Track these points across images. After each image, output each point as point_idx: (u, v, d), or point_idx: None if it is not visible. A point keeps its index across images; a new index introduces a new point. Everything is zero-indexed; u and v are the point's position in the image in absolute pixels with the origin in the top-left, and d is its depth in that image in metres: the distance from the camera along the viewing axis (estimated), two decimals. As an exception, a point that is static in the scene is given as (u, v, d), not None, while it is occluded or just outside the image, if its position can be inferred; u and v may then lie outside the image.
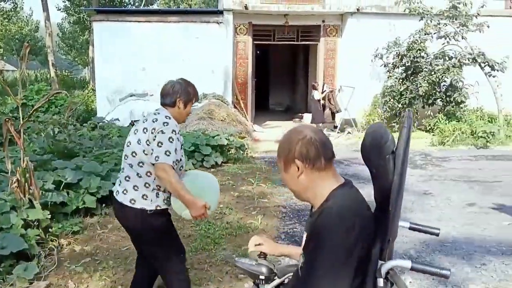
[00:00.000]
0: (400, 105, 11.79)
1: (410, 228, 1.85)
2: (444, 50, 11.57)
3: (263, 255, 1.92)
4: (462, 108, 11.75)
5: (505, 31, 12.41)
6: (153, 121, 2.65)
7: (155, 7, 33.89)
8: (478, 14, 11.21)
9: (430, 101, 11.85)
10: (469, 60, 11.10)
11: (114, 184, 5.35)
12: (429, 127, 11.54)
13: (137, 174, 2.65)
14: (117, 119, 10.77)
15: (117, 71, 12.35)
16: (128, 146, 2.70)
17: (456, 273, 3.88)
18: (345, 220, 1.45)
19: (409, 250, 4.36)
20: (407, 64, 11.76)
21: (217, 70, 12.54)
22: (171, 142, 2.58)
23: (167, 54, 12.35)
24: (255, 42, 13.44)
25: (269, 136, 11.60)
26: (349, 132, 12.22)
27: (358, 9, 12.57)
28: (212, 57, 12.48)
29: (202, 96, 12.03)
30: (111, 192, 5.31)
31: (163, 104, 2.83)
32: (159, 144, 2.56)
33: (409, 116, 1.51)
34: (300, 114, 15.33)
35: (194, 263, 4.01)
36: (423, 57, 11.60)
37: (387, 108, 12.16)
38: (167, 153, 2.55)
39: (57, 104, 13.00)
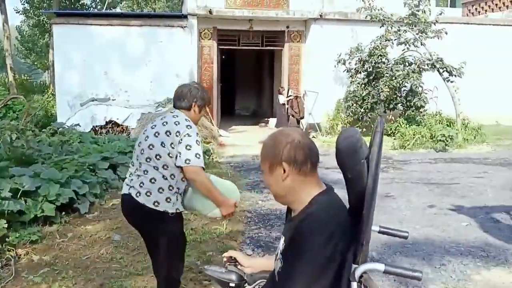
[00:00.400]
0: (362, 110, 12.01)
1: (380, 232, 1.88)
2: (404, 56, 11.87)
3: (233, 262, 1.90)
4: (421, 112, 12.08)
5: (462, 38, 12.86)
6: (176, 124, 2.70)
7: (118, 10, 33.39)
8: (436, 21, 11.57)
9: (391, 106, 12.14)
10: (428, 66, 11.43)
11: (75, 191, 5.27)
12: (391, 131, 11.80)
13: (163, 176, 2.68)
14: (78, 125, 10.53)
15: (78, 75, 12.08)
16: (151, 149, 2.70)
17: (416, 274, 3.96)
18: (326, 229, 1.46)
19: (371, 252, 4.42)
20: (368, 70, 12.01)
21: (181, 74, 12.44)
22: (198, 144, 2.66)
23: (130, 58, 12.18)
24: (220, 47, 13.43)
25: (235, 141, 11.59)
26: (313, 137, 12.35)
27: (321, 16, 12.75)
28: (177, 61, 12.39)
29: (166, 100, 11.92)
30: (71, 199, 5.21)
31: (179, 107, 2.85)
32: (188, 147, 2.63)
33: (381, 122, 1.55)
34: (266, 119, 15.40)
35: (158, 270, 3.95)
36: (384, 63, 11.87)
37: (350, 113, 12.36)
38: (197, 155, 2.64)
39: (15, 110, 12.59)
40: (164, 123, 2.74)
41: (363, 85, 12.12)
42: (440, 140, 10.48)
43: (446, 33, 11.36)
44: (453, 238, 4.84)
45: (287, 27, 13.41)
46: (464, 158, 9.57)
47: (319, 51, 12.83)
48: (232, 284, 1.83)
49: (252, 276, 1.88)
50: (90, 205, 5.53)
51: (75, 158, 6.32)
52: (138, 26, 12.28)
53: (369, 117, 12.14)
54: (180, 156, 2.63)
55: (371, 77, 12.06)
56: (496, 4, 15.59)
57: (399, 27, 11.66)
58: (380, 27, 11.79)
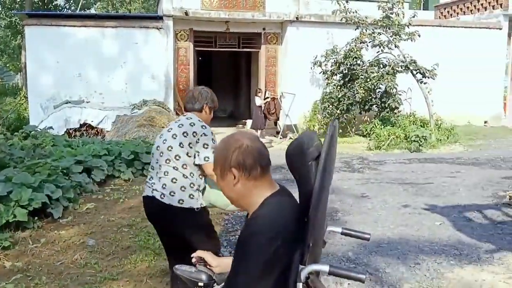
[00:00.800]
0: (338, 111, 12.13)
1: (342, 233, 1.90)
2: (378, 58, 12.04)
3: (203, 262, 1.91)
4: (396, 113, 12.27)
5: (434, 40, 13.12)
6: (191, 125, 2.88)
7: (92, 11, 32.93)
8: (409, 23, 11.77)
9: (366, 107, 12.30)
10: (401, 68, 11.62)
11: (48, 196, 5.17)
12: (366, 132, 11.94)
13: (183, 175, 2.83)
14: (51, 127, 10.32)
15: (51, 77, 11.87)
16: (170, 150, 2.85)
17: (391, 273, 4.01)
18: (271, 229, 1.47)
19: (347, 252, 4.46)
20: (344, 72, 12.14)
21: (157, 76, 12.35)
22: (214, 142, 2.87)
23: (105, 60, 12.03)
24: (196, 49, 13.38)
25: (211, 143, 11.54)
26: (290, 138, 12.42)
27: (297, 18, 12.83)
28: (153, 63, 12.29)
29: (142, 102, 11.80)
30: (44, 204, 5.11)
31: (191, 109, 3.03)
32: (205, 146, 2.84)
33: (332, 125, 1.55)
34: (244, 120, 15.39)
35: (133, 275, 3.91)
36: (359, 65, 12.02)
37: (326, 114, 12.47)
38: (210, 154, 2.82)
39: (-14, 112, 12.28)
40: (180, 125, 2.90)
41: (339, 87, 12.24)
42: (414, 141, 10.65)
43: (419, 35, 11.58)
44: (427, 237, 4.91)
45: (264, 29, 13.45)
46: (437, 158, 9.74)
47: (296, 53, 12.90)
48: (201, 284, 1.84)
49: (221, 275, 1.89)
50: (64, 210, 5.43)
51: (48, 162, 6.19)
52: (113, 27, 12.14)
53: (345, 118, 12.27)
54: (198, 155, 2.83)
55: (346, 79, 12.20)
56: (468, 7, 15.95)
57: (373, 30, 11.83)
58: (355, 29, 11.94)
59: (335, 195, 6.65)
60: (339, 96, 12.06)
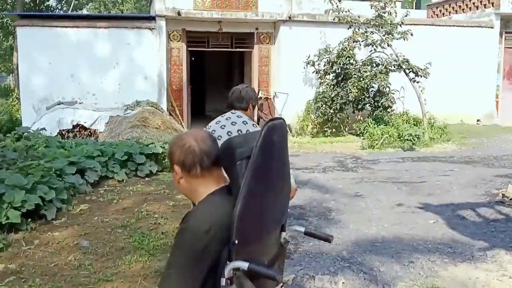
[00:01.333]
0: (331, 111, 12.15)
1: (305, 233, 1.93)
2: (371, 57, 12.07)
3: None
4: (389, 112, 12.30)
5: (427, 39, 13.17)
6: (244, 123, 3.11)
7: (84, 12, 32.77)
8: (402, 22, 11.81)
9: (359, 106, 12.33)
10: (394, 67, 11.65)
11: (41, 197, 5.15)
12: (359, 131, 11.97)
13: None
14: (44, 129, 10.25)
15: (43, 79, 11.80)
16: None
17: (386, 271, 4.03)
18: (203, 225, 1.53)
19: (342, 251, 4.48)
20: (337, 71, 12.15)
21: (150, 77, 12.31)
22: None
23: (98, 60, 11.97)
24: (189, 49, 13.34)
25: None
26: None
27: (290, 17, 12.83)
28: (145, 63, 12.25)
29: (135, 103, 11.75)
30: (37, 205, 5.08)
31: (239, 108, 3.25)
32: None
33: (264, 128, 1.57)
34: (236, 120, 15.37)
35: (128, 276, 3.89)
36: (352, 64, 12.04)
37: (320, 114, 12.48)
38: None
39: (-22, 114, 12.19)
40: (233, 123, 3.13)
41: (332, 86, 12.26)
42: (407, 140, 10.68)
43: (411, 34, 11.62)
44: (421, 235, 4.94)
45: (257, 28, 13.44)
46: (430, 156, 9.79)
47: (289, 53, 12.91)
48: None
49: None
50: (57, 211, 5.41)
51: (41, 163, 6.16)
52: (105, 28, 12.08)
53: (338, 118, 12.29)
54: None
55: (339, 78, 12.22)
56: (460, 6, 16.03)
57: (366, 29, 11.86)
58: (348, 28, 11.96)
59: (329, 195, 6.67)
60: (332, 95, 12.08)
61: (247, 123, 3.13)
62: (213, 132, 3.10)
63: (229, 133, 3.06)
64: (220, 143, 2.89)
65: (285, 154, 1.77)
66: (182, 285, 1.52)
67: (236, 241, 1.50)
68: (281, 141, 1.68)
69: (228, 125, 3.11)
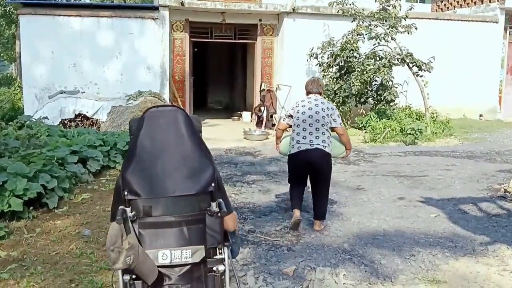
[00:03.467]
0: (334, 104, 12.10)
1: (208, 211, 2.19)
2: (375, 51, 12.02)
3: None
4: (392, 106, 12.27)
5: (431, 33, 13.10)
6: (324, 103, 4.88)
7: (87, 1, 32.63)
8: (406, 16, 11.73)
9: (362, 100, 12.29)
10: (398, 61, 11.59)
11: (43, 186, 5.16)
12: (362, 124, 11.94)
13: (323, 133, 4.74)
14: (46, 117, 10.27)
15: (46, 67, 11.77)
16: (323, 118, 4.76)
17: (387, 264, 4.03)
18: None
19: (343, 244, 4.48)
20: (340, 64, 12.11)
21: (153, 67, 12.27)
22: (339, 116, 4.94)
23: (100, 50, 11.93)
24: (192, 39, 13.29)
25: (207, 134, 11.50)
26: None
27: (293, 9, 12.76)
28: (148, 53, 12.21)
29: (137, 93, 11.74)
30: (39, 194, 5.10)
31: (318, 93, 4.96)
32: (338, 116, 4.90)
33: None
34: (239, 112, 15.36)
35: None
36: (355, 57, 11.99)
37: (322, 106, 12.43)
38: (341, 121, 4.92)
39: (-20, 102, 12.18)
40: (322, 103, 4.87)
41: (335, 79, 12.21)
42: (409, 134, 10.66)
43: (416, 28, 11.55)
44: (422, 229, 4.94)
45: (260, 20, 13.38)
46: (432, 151, 9.77)
47: (292, 45, 12.86)
48: None
49: None
50: (59, 200, 5.42)
51: (43, 152, 6.17)
52: (108, 17, 12.03)
53: (340, 111, 12.25)
54: (335, 121, 4.82)
55: (342, 71, 12.17)
56: (465, 0, 15.92)
57: (370, 22, 11.79)
58: (352, 21, 11.89)
59: (331, 187, 6.66)
60: (335, 88, 12.03)
61: (328, 103, 4.97)
62: (305, 110, 4.89)
63: (323, 110, 4.90)
64: (319, 116, 4.83)
65: (179, 135, 2.13)
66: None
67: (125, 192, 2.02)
68: (169, 122, 2.12)
69: (319, 104, 4.88)
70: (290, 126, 4.95)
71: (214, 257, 2.14)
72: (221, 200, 2.10)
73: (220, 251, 2.15)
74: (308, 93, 4.94)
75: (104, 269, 3.81)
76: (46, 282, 3.58)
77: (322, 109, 4.74)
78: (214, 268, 2.13)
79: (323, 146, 4.66)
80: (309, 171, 4.83)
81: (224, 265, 2.15)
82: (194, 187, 2.07)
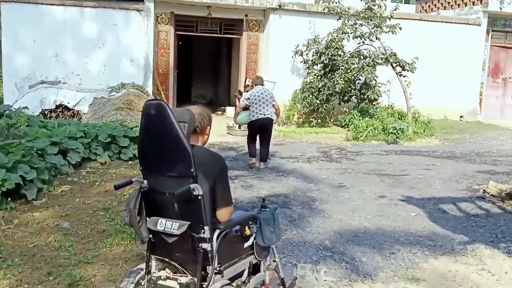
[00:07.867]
0: (318, 101, 12.16)
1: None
2: (359, 50, 12.08)
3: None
4: (375, 105, 12.36)
5: (415, 34, 13.20)
6: (269, 91, 7.80)
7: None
8: (391, 16, 11.82)
9: (346, 98, 12.36)
10: (382, 60, 11.67)
11: (21, 177, 5.06)
12: (344, 123, 12.01)
13: (269, 108, 7.47)
14: (26, 107, 10.06)
15: (27, 57, 11.55)
16: (271, 98, 7.56)
17: (367, 262, 4.06)
18: None
19: (324, 240, 4.50)
20: (325, 62, 12.15)
21: (137, 59, 12.14)
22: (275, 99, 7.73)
23: (83, 40, 11.75)
24: (177, 33, 13.18)
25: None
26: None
27: (280, 6, 12.75)
28: (132, 45, 12.07)
29: (120, 85, 11.59)
30: (17, 185, 5.00)
31: (261, 84, 7.85)
32: (275, 99, 7.65)
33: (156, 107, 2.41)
34: (223, 107, 15.29)
35: (109, 258, 3.86)
36: (340, 55, 12.04)
37: (306, 104, 12.48)
38: (277, 101, 7.78)
39: (-43, 90, 11.90)
40: (266, 90, 7.63)
41: (319, 77, 12.25)
42: (391, 133, 10.75)
43: (400, 28, 11.63)
44: (402, 227, 4.99)
45: (246, 15, 13.33)
46: (414, 150, 9.88)
47: (277, 41, 12.85)
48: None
49: None
50: (38, 191, 5.32)
51: (22, 143, 6.04)
52: (92, 7, 11.85)
53: (324, 109, 12.31)
54: (274, 101, 7.55)
55: (327, 69, 12.21)
56: (449, 2, 16.09)
57: (355, 21, 11.84)
58: (337, 20, 11.93)
59: (313, 184, 6.69)
60: (319, 86, 12.07)
61: (269, 90, 7.82)
62: (259, 95, 7.49)
63: (270, 95, 7.72)
64: (268, 98, 7.73)
65: (167, 122, 2.31)
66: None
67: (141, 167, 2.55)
68: (158, 113, 2.33)
69: (266, 91, 7.68)
70: (247, 107, 7.43)
71: (199, 235, 2.39)
72: (197, 185, 2.33)
73: (203, 230, 2.37)
74: (256, 85, 7.69)
75: (82, 263, 3.76)
76: (24, 275, 3.51)
77: (267, 94, 7.51)
78: (200, 245, 2.38)
79: (270, 115, 7.38)
80: (260, 130, 7.49)
81: (210, 244, 2.39)
82: (177, 169, 2.40)
